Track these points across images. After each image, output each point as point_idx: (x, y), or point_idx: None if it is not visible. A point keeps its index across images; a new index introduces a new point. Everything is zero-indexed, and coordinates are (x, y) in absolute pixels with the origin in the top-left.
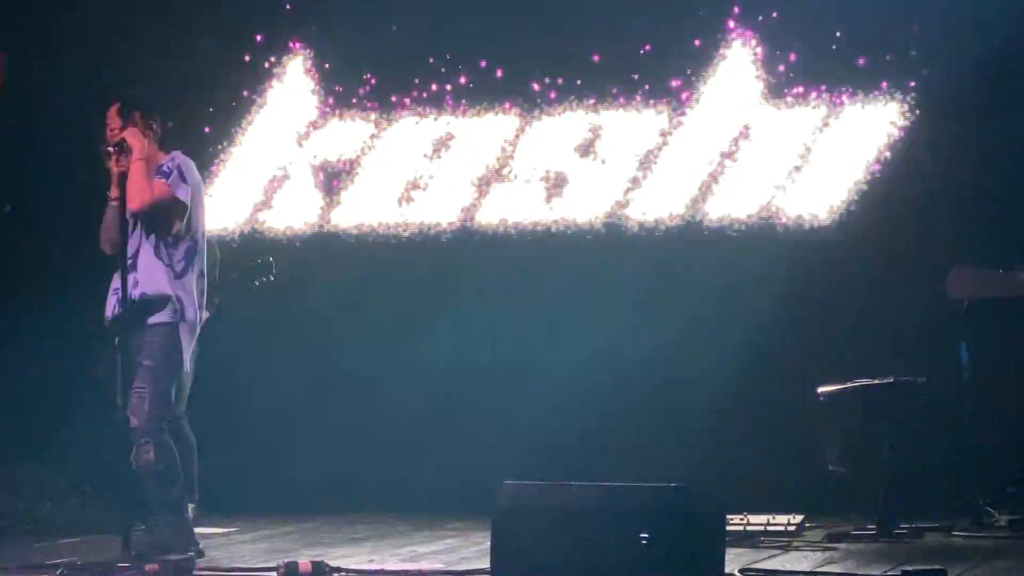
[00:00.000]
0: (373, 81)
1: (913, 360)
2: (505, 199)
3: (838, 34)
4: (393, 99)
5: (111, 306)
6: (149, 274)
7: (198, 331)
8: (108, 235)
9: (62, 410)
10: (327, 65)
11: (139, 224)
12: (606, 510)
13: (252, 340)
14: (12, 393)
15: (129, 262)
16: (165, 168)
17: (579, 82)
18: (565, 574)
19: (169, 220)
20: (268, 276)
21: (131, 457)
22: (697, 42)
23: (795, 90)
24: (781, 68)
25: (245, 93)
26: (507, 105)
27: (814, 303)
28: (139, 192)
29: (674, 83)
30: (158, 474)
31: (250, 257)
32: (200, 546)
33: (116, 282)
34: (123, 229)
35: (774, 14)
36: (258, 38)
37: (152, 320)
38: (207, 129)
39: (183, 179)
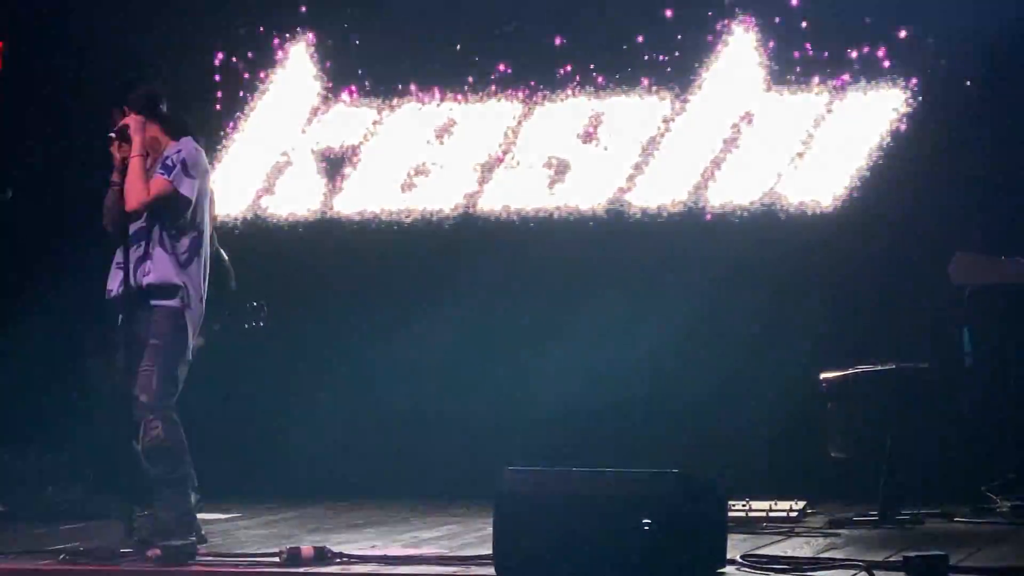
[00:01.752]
0: (375, 67)
1: (915, 346)
2: (508, 185)
3: (840, 19)
4: (395, 85)
5: (116, 280)
6: (157, 262)
7: (200, 322)
8: (110, 217)
9: (64, 395)
10: (330, 42)
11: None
12: (608, 496)
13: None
14: (14, 378)
15: (140, 249)
16: (169, 161)
17: (581, 68)
18: (567, 560)
19: (172, 214)
20: (259, 321)
21: (139, 434)
22: (699, 28)
23: (797, 76)
24: (783, 54)
25: (247, 76)
26: (509, 91)
27: (816, 289)
28: (135, 193)
29: (676, 69)
30: (165, 451)
31: (243, 300)
32: (203, 532)
33: (120, 256)
34: (123, 214)
35: None
36: (260, 25)
37: (159, 303)
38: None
39: (187, 173)
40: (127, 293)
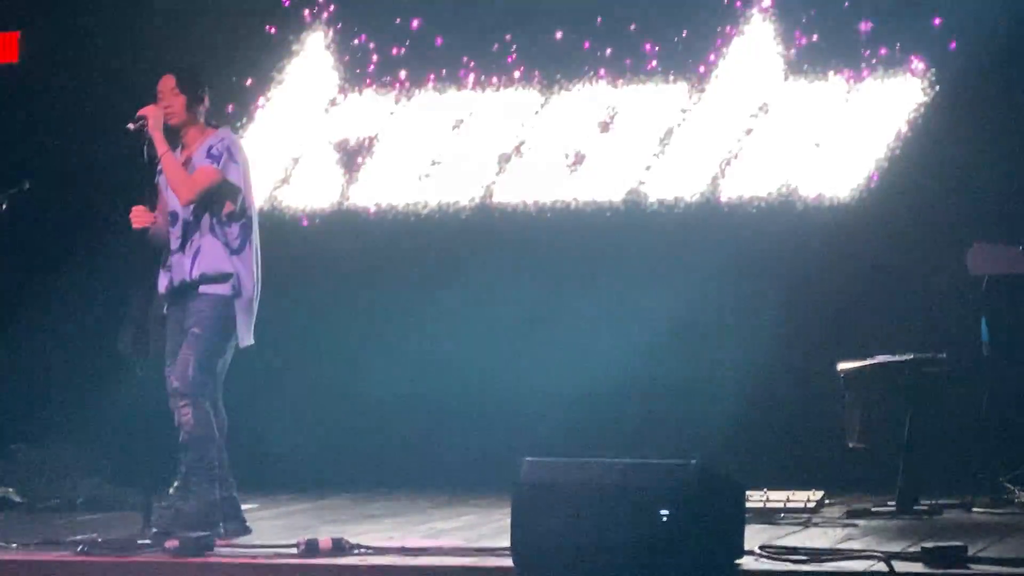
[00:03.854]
0: (392, 57)
1: (933, 336)
2: (524, 176)
3: (857, 9)
4: (413, 75)
5: (164, 281)
6: (207, 253)
7: (255, 307)
8: (156, 233)
9: (84, 387)
10: (347, 33)
11: (192, 206)
12: (626, 487)
13: (271, 316)
14: (34, 371)
15: (191, 244)
16: (215, 151)
17: (598, 58)
18: (585, 551)
19: (222, 201)
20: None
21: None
22: (716, 18)
23: (814, 66)
24: (800, 44)
25: (264, 66)
26: (526, 82)
27: (833, 280)
28: (182, 186)
29: (693, 60)
30: (194, 438)
31: None
32: (247, 523)
33: (166, 259)
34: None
35: None
36: (276, 16)
37: (209, 290)
38: (230, 108)
39: (233, 159)
40: (172, 289)
